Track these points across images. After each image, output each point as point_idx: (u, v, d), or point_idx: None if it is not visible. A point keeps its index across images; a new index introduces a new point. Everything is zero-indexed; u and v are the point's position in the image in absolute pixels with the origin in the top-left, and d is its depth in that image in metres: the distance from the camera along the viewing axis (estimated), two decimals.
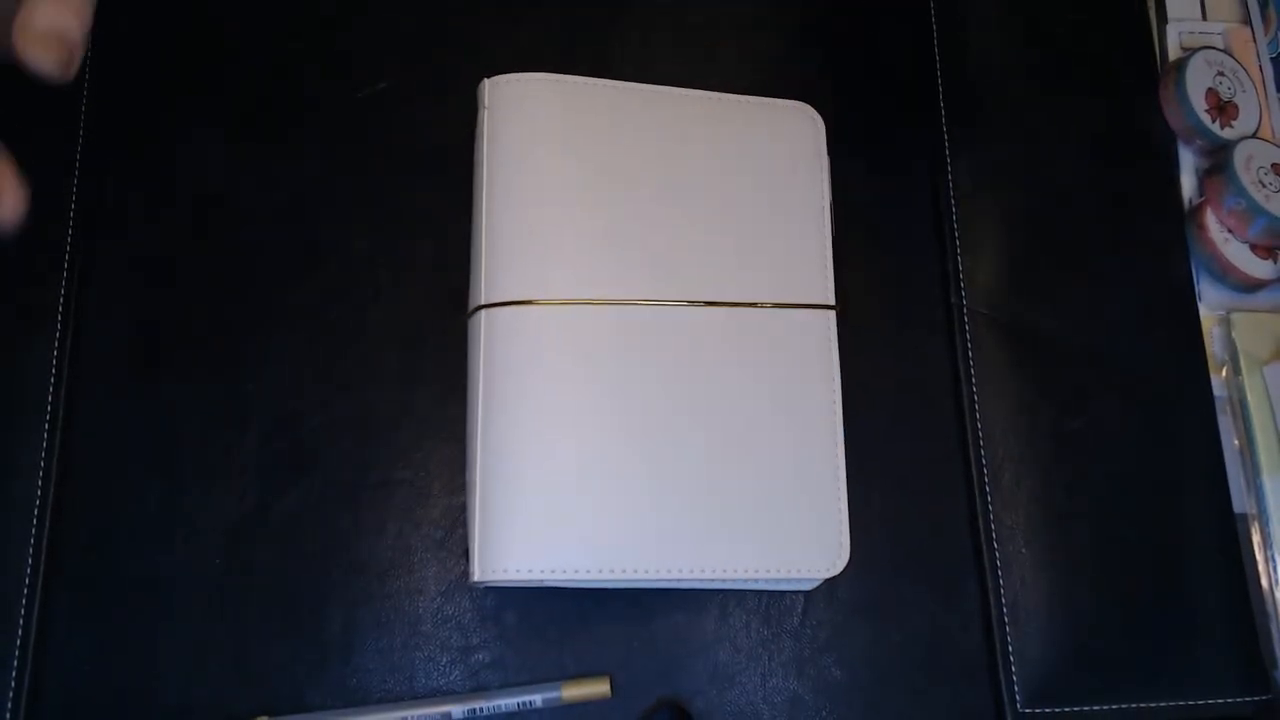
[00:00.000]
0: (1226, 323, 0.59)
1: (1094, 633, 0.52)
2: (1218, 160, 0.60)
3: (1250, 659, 0.53)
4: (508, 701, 0.49)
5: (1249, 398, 0.57)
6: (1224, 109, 0.61)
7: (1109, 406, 0.56)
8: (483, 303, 0.50)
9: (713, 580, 0.49)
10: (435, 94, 0.58)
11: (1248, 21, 0.65)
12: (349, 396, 0.53)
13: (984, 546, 0.53)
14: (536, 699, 0.49)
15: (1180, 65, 0.61)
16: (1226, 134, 0.60)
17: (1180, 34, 0.64)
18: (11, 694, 0.48)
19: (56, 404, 0.51)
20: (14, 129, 0.56)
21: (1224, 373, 0.59)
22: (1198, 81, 0.61)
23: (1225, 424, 0.57)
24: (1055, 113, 0.61)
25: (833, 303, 0.53)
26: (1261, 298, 0.60)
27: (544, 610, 0.51)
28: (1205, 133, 0.60)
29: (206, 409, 0.52)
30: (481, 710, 0.49)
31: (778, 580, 0.50)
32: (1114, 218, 0.60)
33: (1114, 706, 0.51)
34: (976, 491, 0.54)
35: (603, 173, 0.51)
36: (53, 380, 0.52)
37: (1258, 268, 0.59)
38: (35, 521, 0.50)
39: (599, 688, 0.50)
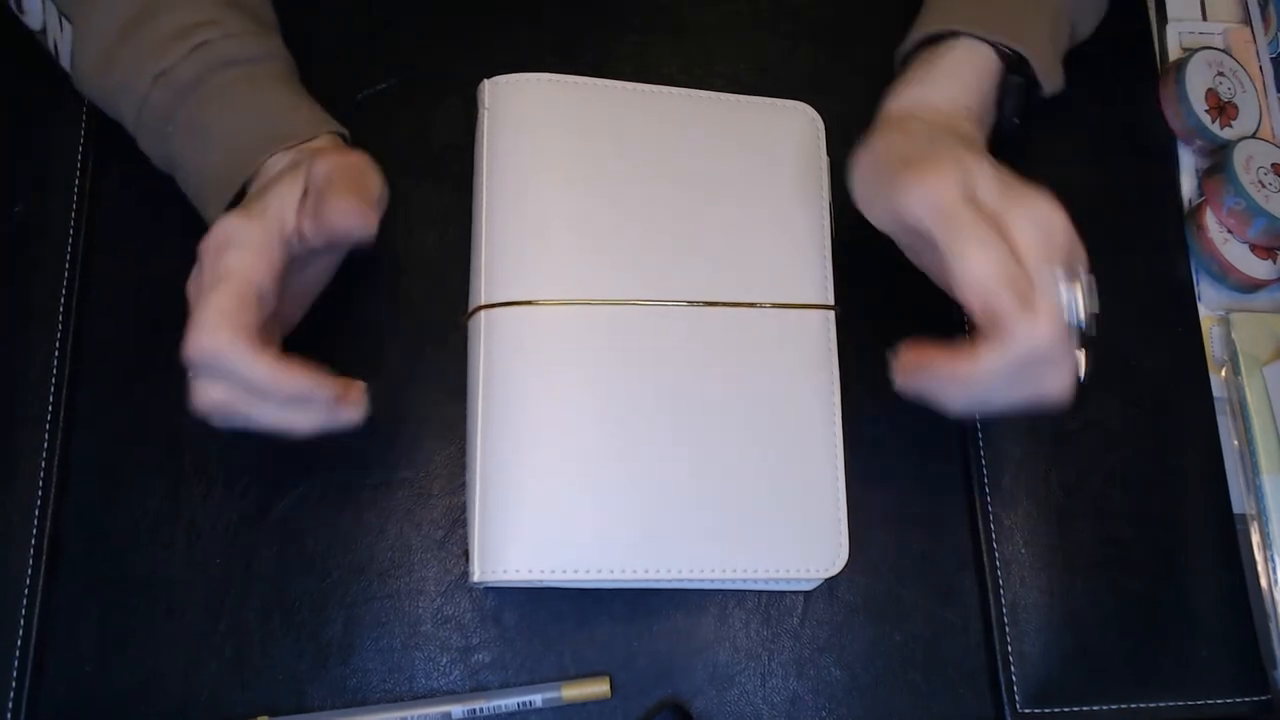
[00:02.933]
0: (1226, 323, 0.59)
1: (1093, 633, 0.52)
2: (1217, 160, 0.60)
3: (1249, 659, 0.53)
4: (508, 701, 0.49)
5: (1249, 398, 0.57)
6: (1224, 109, 0.61)
7: (1109, 406, 0.56)
8: (483, 303, 0.50)
9: (712, 580, 0.49)
10: (435, 94, 0.58)
11: (1248, 22, 0.65)
12: None
13: (984, 546, 0.53)
14: (536, 699, 0.49)
15: (1180, 65, 0.61)
16: (1226, 134, 0.60)
17: (1180, 34, 0.64)
18: (12, 694, 0.48)
19: (57, 404, 0.51)
20: (16, 130, 0.57)
21: (1224, 373, 0.59)
22: (1197, 82, 0.61)
23: (1225, 424, 0.57)
24: (1055, 113, 0.61)
25: (832, 303, 0.53)
26: (1261, 298, 0.60)
27: (544, 610, 0.51)
28: (1205, 133, 0.60)
29: None
30: (481, 710, 0.49)
31: (777, 580, 0.50)
32: (1114, 218, 0.60)
33: (1113, 706, 0.52)
34: (976, 491, 0.54)
35: (603, 173, 0.51)
36: (53, 380, 0.52)
37: (1257, 268, 0.59)
38: (35, 521, 0.50)
39: (599, 688, 0.50)
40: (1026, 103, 0.54)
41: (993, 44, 0.51)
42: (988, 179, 0.42)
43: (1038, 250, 0.40)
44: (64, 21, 0.49)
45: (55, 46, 0.51)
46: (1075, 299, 0.41)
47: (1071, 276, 0.41)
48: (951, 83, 0.51)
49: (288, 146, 0.48)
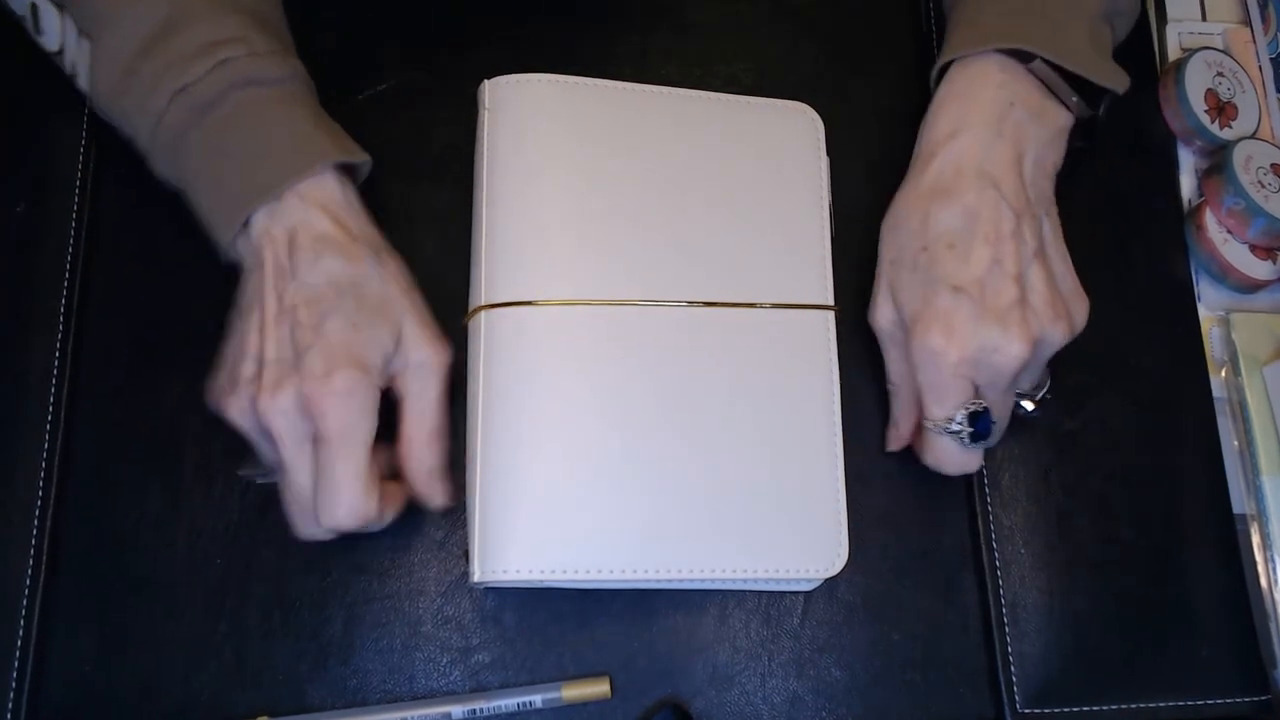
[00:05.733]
0: (1226, 323, 0.59)
1: (1093, 633, 0.52)
2: (1217, 161, 0.60)
3: (1249, 659, 0.53)
4: (508, 702, 0.49)
5: (1248, 398, 0.57)
6: (1223, 109, 0.61)
7: (1109, 406, 0.56)
8: (483, 303, 0.50)
9: (712, 580, 0.49)
10: (435, 94, 0.58)
11: (1247, 22, 0.65)
12: None
13: (983, 546, 0.53)
14: (536, 699, 0.49)
15: (1180, 65, 0.61)
16: (1225, 134, 0.61)
17: (1180, 34, 0.64)
18: (12, 694, 0.48)
19: (57, 404, 0.51)
20: (16, 130, 0.57)
21: (1223, 373, 0.59)
22: (1197, 82, 0.61)
23: (1225, 424, 0.57)
24: None
25: (832, 303, 0.53)
26: (1261, 298, 0.60)
27: (544, 610, 0.51)
28: (1204, 133, 0.60)
29: (206, 409, 0.52)
30: (482, 710, 0.49)
31: (777, 580, 0.50)
32: (1114, 218, 0.60)
33: (1113, 706, 0.52)
34: (976, 491, 0.54)
35: (603, 173, 0.51)
36: (53, 380, 0.52)
37: (1257, 268, 0.59)
38: (35, 521, 0.50)
39: (599, 688, 0.50)
40: (1092, 126, 0.55)
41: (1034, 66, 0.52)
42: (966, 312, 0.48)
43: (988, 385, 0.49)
44: (83, 40, 0.49)
45: (74, 67, 0.51)
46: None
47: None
48: (983, 110, 0.52)
49: (308, 175, 0.48)
